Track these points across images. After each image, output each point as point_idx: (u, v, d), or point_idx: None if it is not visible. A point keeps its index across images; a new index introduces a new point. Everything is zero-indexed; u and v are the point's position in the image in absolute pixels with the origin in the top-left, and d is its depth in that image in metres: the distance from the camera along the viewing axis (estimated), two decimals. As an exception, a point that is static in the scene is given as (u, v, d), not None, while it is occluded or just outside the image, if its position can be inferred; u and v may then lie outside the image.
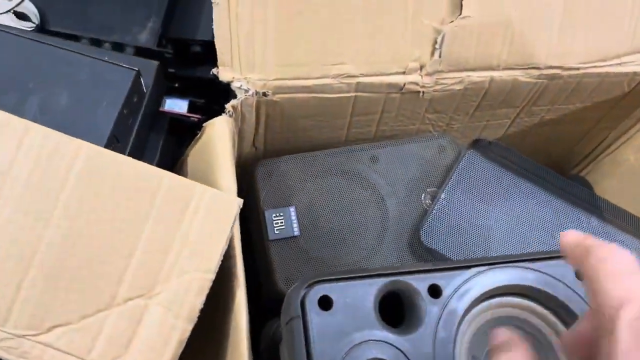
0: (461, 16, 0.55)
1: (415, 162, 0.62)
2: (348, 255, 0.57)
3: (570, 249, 0.30)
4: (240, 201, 0.45)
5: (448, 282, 0.40)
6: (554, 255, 0.42)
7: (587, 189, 0.78)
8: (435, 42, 0.56)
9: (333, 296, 0.38)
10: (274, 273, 0.54)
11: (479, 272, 0.41)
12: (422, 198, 0.60)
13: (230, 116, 0.54)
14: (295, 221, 0.56)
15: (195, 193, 0.43)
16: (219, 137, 0.52)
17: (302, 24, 0.54)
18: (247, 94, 0.54)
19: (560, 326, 0.41)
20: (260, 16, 0.53)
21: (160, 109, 0.62)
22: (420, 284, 0.40)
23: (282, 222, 0.56)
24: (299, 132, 0.63)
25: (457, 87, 0.60)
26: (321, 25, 0.55)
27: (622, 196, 0.76)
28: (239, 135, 0.60)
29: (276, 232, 0.55)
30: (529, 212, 0.71)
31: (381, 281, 0.39)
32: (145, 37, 0.62)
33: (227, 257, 0.46)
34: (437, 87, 0.59)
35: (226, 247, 0.44)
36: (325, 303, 0.38)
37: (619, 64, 0.61)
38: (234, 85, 0.55)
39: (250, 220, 0.58)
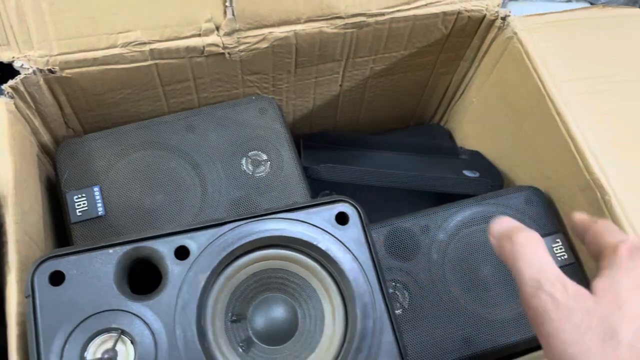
0: (242, -30, 0.53)
1: (233, 127, 0.60)
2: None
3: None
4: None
5: (197, 242, 0.39)
6: (313, 204, 0.41)
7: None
8: (225, 0, 0.54)
9: (66, 271, 0.37)
10: (77, 255, 0.52)
11: (233, 228, 0.40)
12: (243, 163, 0.59)
13: (11, 97, 0.51)
14: (99, 201, 0.54)
15: None
16: (-8, 121, 0.49)
17: (76, -7, 0.51)
18: (28, 73, 0.52)
19: (320, 270, 0.41)
20: (24, -12, 0.50)
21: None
22: (165, 247, 0.38)
23: (84, 203, 0.54)
24: (112, 108, 0.61)
25: (263, 45, 0.58)
26: (100, -7, 0.52)
27: (475, 139, 0.77)
28: (41, 118, 0.57)
29: (79, 214, 0.53)
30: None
31: (121, 250, 0.38)
32: None
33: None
34: (242, 47, 0.57)
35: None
36: (56, 278, 0.37)
37: (426, 5, 0.60)
38: (16, 65, 0.52)
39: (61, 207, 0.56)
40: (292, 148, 0.61)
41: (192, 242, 0.39)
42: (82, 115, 0.60)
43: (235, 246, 0.39)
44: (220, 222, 0.40)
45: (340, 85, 0.69)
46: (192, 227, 0.39)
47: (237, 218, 0.40)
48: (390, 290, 0.55)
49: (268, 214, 0.40)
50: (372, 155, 0.76)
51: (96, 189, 0.55)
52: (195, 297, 0.37)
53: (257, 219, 0.40)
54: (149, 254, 0.38)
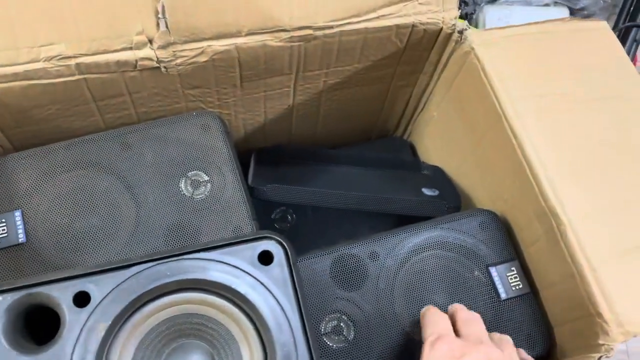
0: (174, -20, 0.49)
1: (172, 145, 0.56)
2: (95, 256, 0.51)
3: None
4: None
5: (100, 286, 0.35)
6: (233, 241, 0.38)
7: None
8: (157, 12, 0.50)
9: (-54, 321, 0.33)
10: (-7, 287, 0.48)
11: (141, 271, 0.36)
12: (182, 184, 0.55)
13: None
14: (21, 226, 0.50)
15: None
16: None
17: (-8, 3, 0.47)
18: (-61, 89, 0.48)
19: (239, 315, 0.37)
20: None
21: None
22: (63, 293, 0.35)
23: (4, 229, 0.50)
24: (42, 125, 0.57)
25: (202, 58, 0.54)
26: (20, 3, 0.48)
27: (437, 154, 0.74)
28: (-39, 135, 0.53)
29: (-4, 241, 0.50)
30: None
31: (11, 297, 0.34)
32: None
33: None
34: (179, 61, 0.54)
35: None
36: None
37: (377, 18, 0.56)
38: None
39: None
40: (236, 167, 0.57)
41: (94, 286, 0.35)
42: (10, 133, 0.56)
43: (142, 291, 0.35)
44: (125, 264, 0.36)
45: (292, 101, 0.66)
46: (93, 270, 0.35)
47: (145, 259, 0.36)
48: (334, 323, 0.52)
49: (182, 254, 0.37)
50: (331, 170, 0.73)
51: (17, 213, 0.51)
52: (93, 350, 0.34)
53: (168, 259, 0.37)
54: (45, 301, 0.35)
